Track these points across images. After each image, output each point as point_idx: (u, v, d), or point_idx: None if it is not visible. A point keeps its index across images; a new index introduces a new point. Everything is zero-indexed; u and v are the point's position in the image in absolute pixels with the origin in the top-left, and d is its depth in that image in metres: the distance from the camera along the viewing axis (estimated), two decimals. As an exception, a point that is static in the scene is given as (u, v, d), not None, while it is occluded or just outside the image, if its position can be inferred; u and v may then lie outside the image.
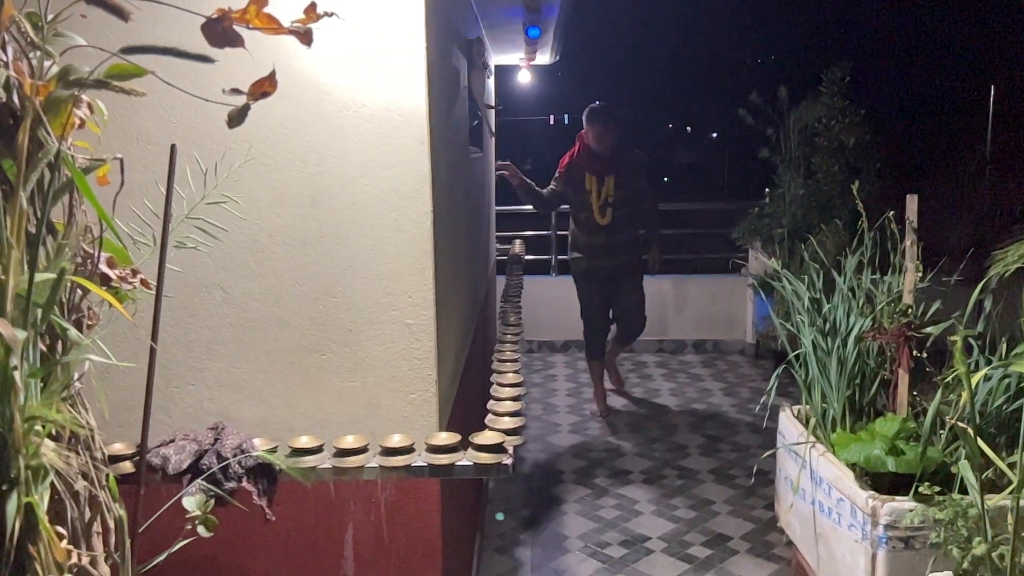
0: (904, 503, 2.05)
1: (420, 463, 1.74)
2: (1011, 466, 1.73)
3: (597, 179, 4.49)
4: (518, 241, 5.47)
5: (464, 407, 2.38)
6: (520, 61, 5.58)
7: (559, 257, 6.66)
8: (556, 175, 4.72)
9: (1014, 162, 6.29)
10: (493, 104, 4.97)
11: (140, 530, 1.23)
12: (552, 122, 18.12)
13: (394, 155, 1.78)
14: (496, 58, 5.37)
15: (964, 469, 1.68)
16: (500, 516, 3.75)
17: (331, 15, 1.00)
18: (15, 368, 0.81)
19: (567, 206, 4.80)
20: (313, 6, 0.99)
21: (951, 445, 2.19)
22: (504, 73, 6.08)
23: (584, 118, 4.54)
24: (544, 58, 5.59)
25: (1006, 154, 6.50)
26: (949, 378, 2.01)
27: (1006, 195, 5.83)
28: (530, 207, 5.07)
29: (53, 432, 0.95)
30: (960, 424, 1.67)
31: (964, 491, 1.95)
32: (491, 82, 4.97)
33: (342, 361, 1.84)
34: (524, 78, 6.07)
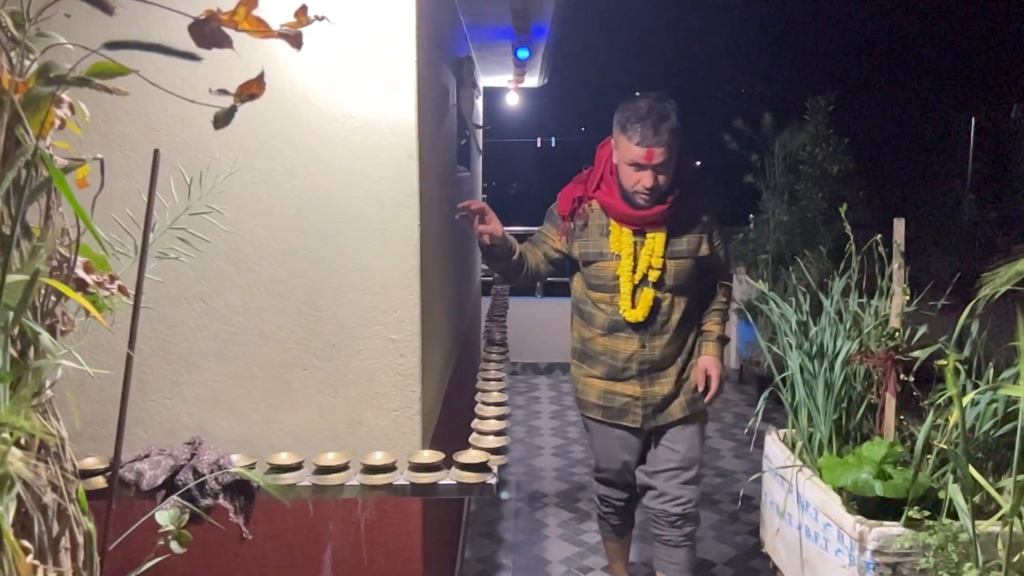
0: (892, 528, 2.02)
1: (402, 481, 1.70)
2: (999, 491, 1.71)
3: (635, 233, 2.42)
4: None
5: (447, 426, 2.34)
6: (508, 83, 5.61)
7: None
8: (551, 221, 2.55)
9: (993, 192, 6.38)
10: (481, 124, 4.96)
11: (111, 547, 1.18)
12: (539, 144, 18.24)
13: (382, 168, 1.76)
14: (485, 79, 5.39)
15: (954, 493, 1.66)
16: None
17: (322, 19, 0.98)
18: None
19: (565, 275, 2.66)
20: (304, 9, 0.97)
21: (938, 470, 2.18)
22: (492, 95, 6.11)
23: (622, 118, 2.32)
24: (532, 81, 5.62)
25: (986, 184, 6.60)
26: (939, 401, 2.00)
27: (986, 224, 5.91)
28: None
29: (21, 440, 0.91)
30: (950, 448, 1.65)
31: (951, 516, 1.94)
32: (480, 102, 4.98)
33: (324, 376, 1.80)
34: (512, 100, 6.11)
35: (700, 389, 2.53)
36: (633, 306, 2.43)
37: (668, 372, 2.52)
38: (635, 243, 2.42)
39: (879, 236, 2.32)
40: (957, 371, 1.96)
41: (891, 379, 2.23)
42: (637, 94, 2.35)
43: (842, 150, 5.61)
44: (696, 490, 2.57)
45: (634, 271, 2.41)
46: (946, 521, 1.87)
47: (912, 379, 2.27)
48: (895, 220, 2.27)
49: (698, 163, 2.62)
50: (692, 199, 2.46)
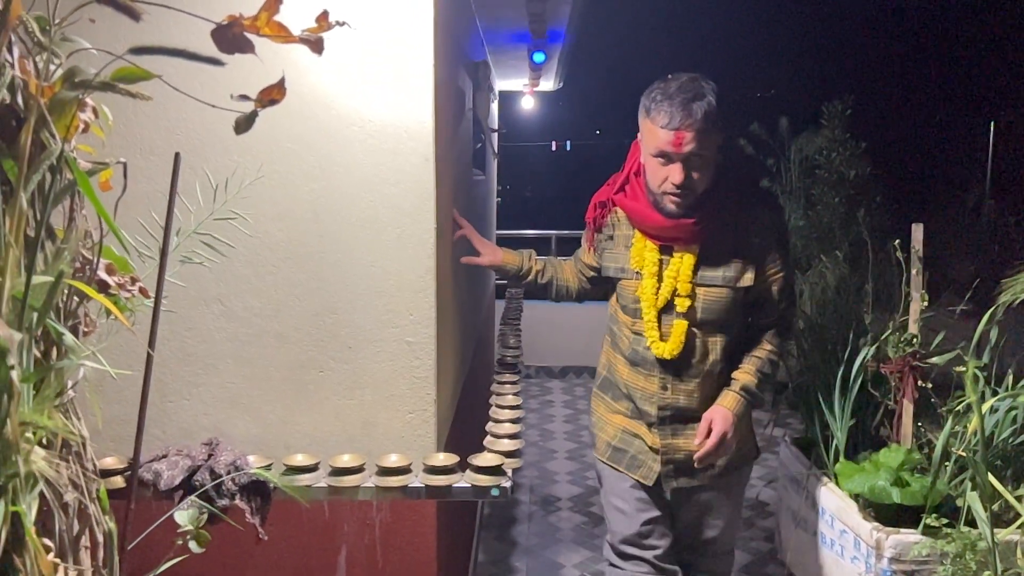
0: (909, 535, 2.01)
1: (417, 484, 1.71)
2: (1018, 499, 1.70)
3: (661, 250, 1.99)
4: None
5: (461, 429, 2.34)
6: (524, 87, 5.62)
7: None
8: (587, 231, 2.18)
9: (1013, 197, 6.32)
10: (496, 127, 4.97)
11: (129, 547, 1.20)
12: (555, 148, 18.28)
13: (399, 172, 1.77)
14: (500, 83, 5.40)
15: (973, 501, 1.65)
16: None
17: (342, 24, 0.99)
18: (12, 368, 0.79)
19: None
20: (325, 14, 0.98)
21: (956, 477, 2.16)
22: (507, 98, 6.12)
23: (647, 100, 1.88)
24: (547, 84, 5.62)
25: (1005, 189, 6.55)
26: (958, 408, 1.99)
27: (1006, 229, 5.85)
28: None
29: (44, 440, 0.93)
30: (969, 455, 1.64)
31: (969, 524, 1.92)
32: (495, 106, 4.99)
33: (340, 378, 1.81)
34: (527, 104, 6.12)
35: (697, 441, 1.94)
36: (662, 338, 1.96)
37: (697, 426, 1.97)
38: (660, 261, 1.96)
39: (897, 241, 2.31)
40: (976, 378, 1.95)
41: (909, 385, 2.21)
42: (669, 76, 1.88)
43: (859, 154, 5.57)
44: (730, 561, 2.17)
45: (656, 293, 1.95)
46: (964, 529, 1.85)
47: (930, 385, 2.26)
48: (913, 225, 2.26)
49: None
50: (738, 214, 1.94)
